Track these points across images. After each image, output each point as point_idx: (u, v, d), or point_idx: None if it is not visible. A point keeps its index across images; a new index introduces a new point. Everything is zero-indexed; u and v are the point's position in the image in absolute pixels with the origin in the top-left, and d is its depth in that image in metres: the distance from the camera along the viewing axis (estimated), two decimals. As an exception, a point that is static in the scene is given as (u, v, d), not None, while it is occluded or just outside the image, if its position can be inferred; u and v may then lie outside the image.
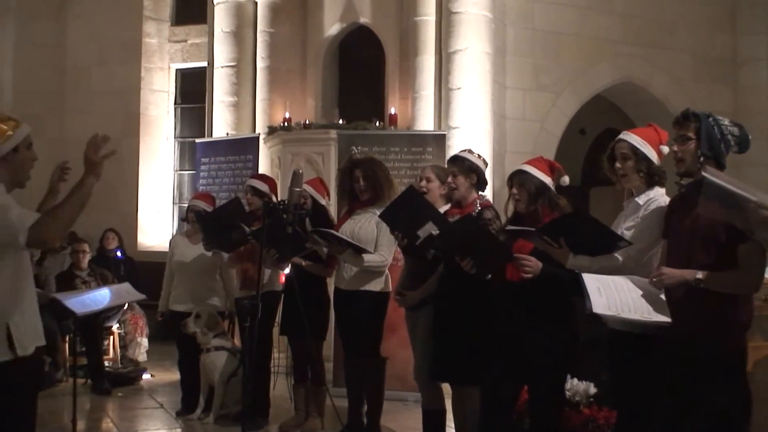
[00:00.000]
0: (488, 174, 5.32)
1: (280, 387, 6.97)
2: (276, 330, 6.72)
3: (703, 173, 3.37)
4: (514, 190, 4.64)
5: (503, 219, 4.88)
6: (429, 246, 5.04)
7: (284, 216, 5.09)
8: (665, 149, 4.19)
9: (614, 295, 3.73)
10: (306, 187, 6.21)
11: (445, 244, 4.89)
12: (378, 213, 5.72)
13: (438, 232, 4.83)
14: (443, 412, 5.50)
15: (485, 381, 4.71)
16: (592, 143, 12.76)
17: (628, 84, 10.83)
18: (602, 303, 3.69)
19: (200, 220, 6.75)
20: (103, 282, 8.55)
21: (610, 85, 10.74)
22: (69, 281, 8.53)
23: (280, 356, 7.14)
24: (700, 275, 3.57)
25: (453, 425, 5.35)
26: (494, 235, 4.67)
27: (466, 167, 5.11)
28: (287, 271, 6.50)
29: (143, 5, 12.97)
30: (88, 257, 9.02)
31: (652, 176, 4.16)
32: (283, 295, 6.58)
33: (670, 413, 3.83)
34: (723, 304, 3.60)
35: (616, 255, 4.04)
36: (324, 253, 6.20)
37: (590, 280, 3.78)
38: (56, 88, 13.12)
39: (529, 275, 4.36)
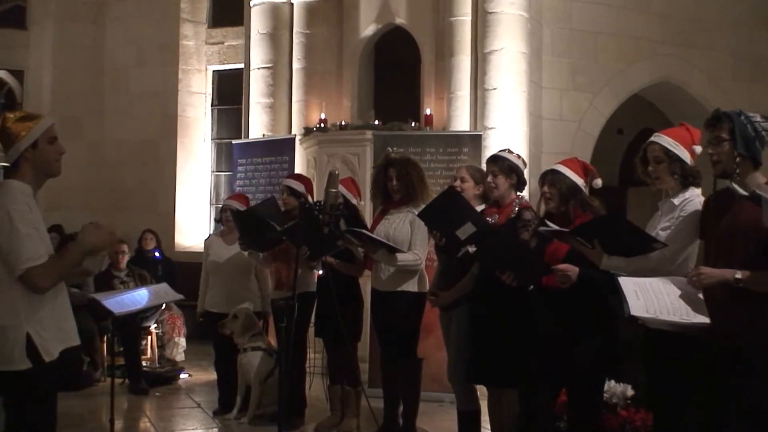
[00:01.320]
0: (525, 174, 5.29)
1: (315, 387, 6.97)
2: (311, 330, 6.72)
3: (757, 191, 3.44)
4: (545, 189, 4.61)
5: (539, 220, 4.85)
6: (469, 260, 5.02)
7: (320, 217, 5.10)
8: (698, 149, 4.16)
9: (652, 298, 3.70)
10: (338, 186, 6.22)
11: (483, 259, 4.89)
12: (412, 212, 5.72)
13: (476, 230, 4.80)
14: (478, 412, 5.47)
15: (524, 383, 4.68)
16: (630, 143, 12.64)
17: (666, 84, 10.75)
18: (640, 306, 3.66)
19: (237, 218, 6.79)
20: (142, 282, 8.61)
21: (647, 85, 10.68)
22: (107, 281, 8.57)
23: (315, 357, 7.15)
24: (739, 275, 3.54)
25: (489, 426, 5.33)
26: (530, 249, 4.65)
27: (506, 167, 5.09)
28: (320, 272, 6.50)
29: (180, 8, 13.08)
30: (126, 258, 9.09)
31: (686, 177, 4.13)
32: (316, 297, 6.58)
33: (707, 415, 3.79)
34: (762, 304, 3.56)
35: (651, 256, 4.00)
36: (360, 254, 6.21)
37: (627, 284, 3.75)
38: (95, 90, 13.21)
39: (566, 285, 4.34)
